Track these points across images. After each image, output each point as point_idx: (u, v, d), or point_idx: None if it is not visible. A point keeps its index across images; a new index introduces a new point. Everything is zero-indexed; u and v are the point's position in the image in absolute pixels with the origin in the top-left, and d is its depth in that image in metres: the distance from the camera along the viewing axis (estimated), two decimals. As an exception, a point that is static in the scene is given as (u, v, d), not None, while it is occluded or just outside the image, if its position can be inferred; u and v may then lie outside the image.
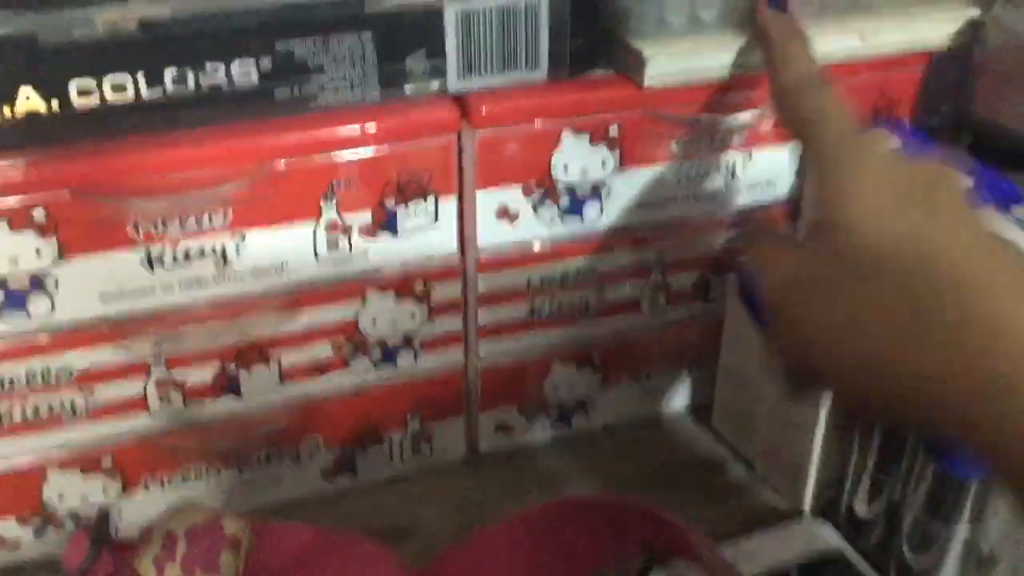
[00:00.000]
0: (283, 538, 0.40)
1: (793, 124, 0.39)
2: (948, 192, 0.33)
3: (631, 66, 0.45)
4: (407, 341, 0.49)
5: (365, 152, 0.43)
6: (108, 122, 0.39)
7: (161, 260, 0.42)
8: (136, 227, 0.41)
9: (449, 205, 0.46)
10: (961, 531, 0.43)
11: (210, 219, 0.42)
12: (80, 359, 0.43)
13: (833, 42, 0.46)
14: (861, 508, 0.47)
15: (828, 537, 0.47)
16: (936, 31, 0.49)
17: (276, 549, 0.40)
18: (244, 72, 0.40)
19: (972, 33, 0.48)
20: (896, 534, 0.45)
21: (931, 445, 0.42)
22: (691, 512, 0.49)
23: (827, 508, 0.49)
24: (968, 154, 0.48)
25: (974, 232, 0.33)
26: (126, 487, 0.47)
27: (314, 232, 0.44)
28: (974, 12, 0.48)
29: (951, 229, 0.32)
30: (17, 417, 0.43)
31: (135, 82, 0.39)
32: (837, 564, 0.46)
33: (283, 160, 0.42)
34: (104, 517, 0.43)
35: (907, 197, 0.33)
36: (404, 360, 0.49)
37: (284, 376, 0.47)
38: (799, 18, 0.44)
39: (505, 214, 0.47)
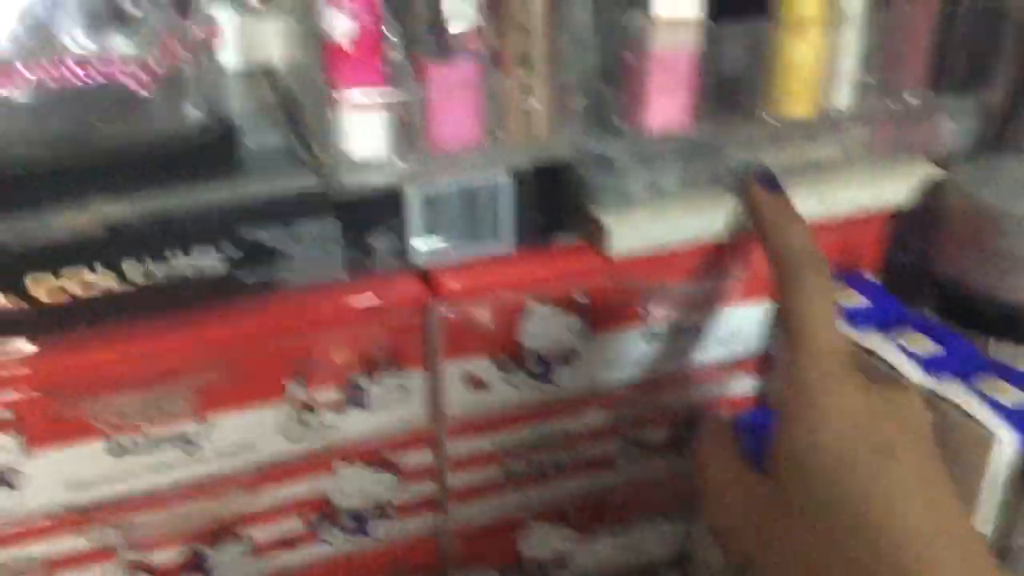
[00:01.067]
0: None
1: (784, 311, 0.39)
2: (914, 438, 0.35)
3: (595, 236, 0.46)
4: (379, 509, 0.48)
5: (333, 331, 0.43)
6: (72, 318, 0.40)
7: (127, 449, 0.42)
8: (102, 420, 0.41)
9: (417, 377, 0.46)
10: None
11: (178, 406, 0.42)
12: (45, 548, 0.43)
13: (793, 206, 0.47)
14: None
15: None
16: (895, 190, 0.49)
17: None
18: (209, 261, 0.41)
19: (932, 191, 0.49)
20: None
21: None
22: None
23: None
24: (933, 314, 0.49)
25: (930, 494, 0.34)
26: (94, 671, 0.46)
27: (283, 412, 0.44)
28: (934, 171, 0.49)
29: (906, 488, 0.33)
30: (-17, 609, 0.43)
31: (97, 277, 0.39)
32: None
33: (249, 345, 0.42)
34: None
35: (872, 436, 0.34)
36: (377, 528, 0.49)
37: (255, 552, 0.47)
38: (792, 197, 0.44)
39: (473, 382, 0.47)
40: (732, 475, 0.40)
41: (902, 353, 0.44)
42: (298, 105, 0.46)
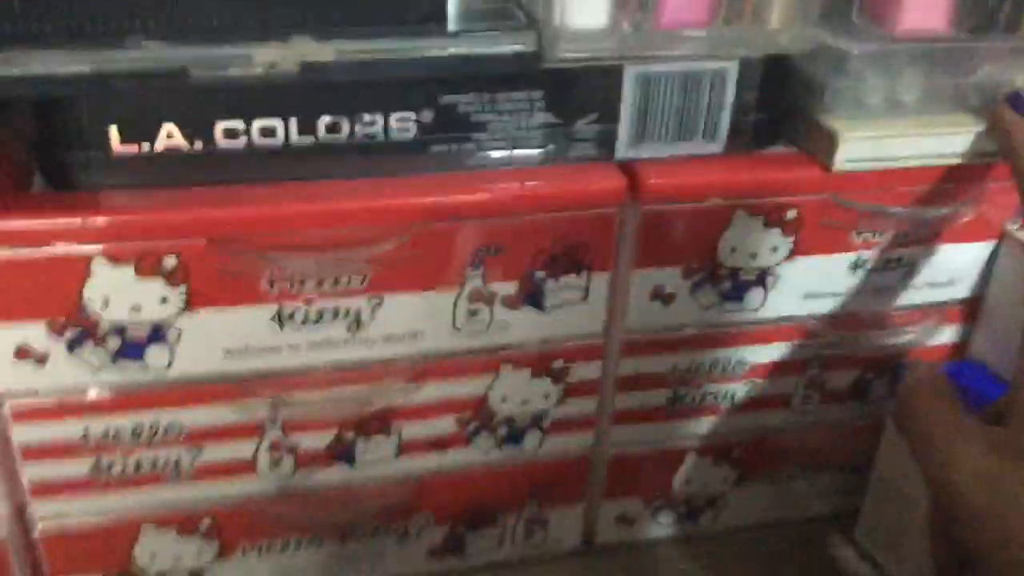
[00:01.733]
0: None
1: None
2: None
3: (820, 146, 0.41)
4: (536, 421, 0.44)
5: (520, 219, 0.39)
6: (252, 168, 0.36)
7: (292, 319, 0.38)
8: (271, 282, 0.37)
9: (601, 282, 0.41)
10: None
11: (349, 280, 0.38)
12: (192, 416, 0.40)
13: None
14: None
15: None
16: None
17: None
18: (403, 125, 0.37)
19: None
20: None
21: None
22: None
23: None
24: None
25: None
26: (222, 552, 0.43)
27: (455, 300, 0.40)
28: None
29: None
30: (116, 471, 0.40)
31: (286, 128, 0.36)
32: None
33: (433, 222, 0.38)
34: None
35: None
36: (530, 441, 0.45)
37: (402, 449, 0.43)
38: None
39: (659, 295, 0.42)
40: (957, 426, 0.35)
41: None
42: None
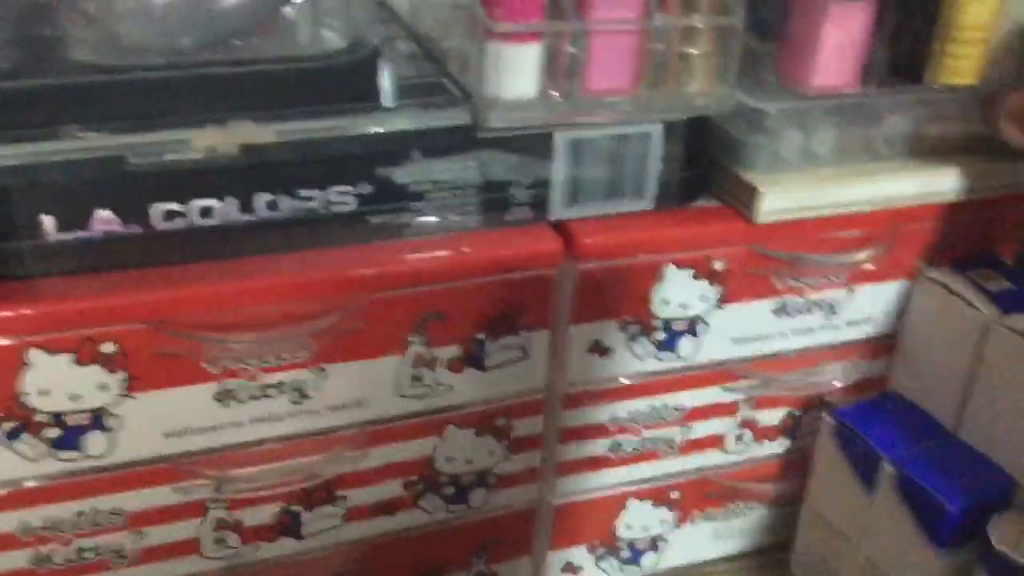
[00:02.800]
0: None
1: None
2: None
3: (742, 200, 0.42)
4: (481, 478, 0.45)
5: (460, 284, 0.39)
6: (191, 248, 0.36)
7: (235, 396, 0.38)
8: (212, 361, 0.37)
9: (541, 339, 0.42)
10: None
11: (293, 353, 0.38)
12: (133, 500, 0.39)
13: (943, 181, 0.44)
14: None
15: None
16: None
17: None
18: (341, 199, 0.37)
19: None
20: None
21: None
22: None
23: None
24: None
25: None
26: (169, 634, 0.42)
27: (399, 367, 0.40)
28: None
29: None
30: (59, 561, 0.39)
31: (225, 207, 0.36)
32: None
33: (376, 292, 0.38)
34: None
35: None
36: (476, 498, 0.45)
37: (349, 516, 0.43)
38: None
39: (597, 349, 0.43)
40: None
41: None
42: (433, 39, 0.42)
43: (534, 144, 0.39)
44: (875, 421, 0.47)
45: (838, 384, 0.49)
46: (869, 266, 0.46)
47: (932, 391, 0.47)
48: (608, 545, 0.50)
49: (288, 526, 0.42)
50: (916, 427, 0.47)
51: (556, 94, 0.38)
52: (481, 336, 0.41)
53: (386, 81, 0.36)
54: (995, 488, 0.44)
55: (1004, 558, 0.41)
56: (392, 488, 0.43)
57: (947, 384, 0.46)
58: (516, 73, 0.37)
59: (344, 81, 0.36)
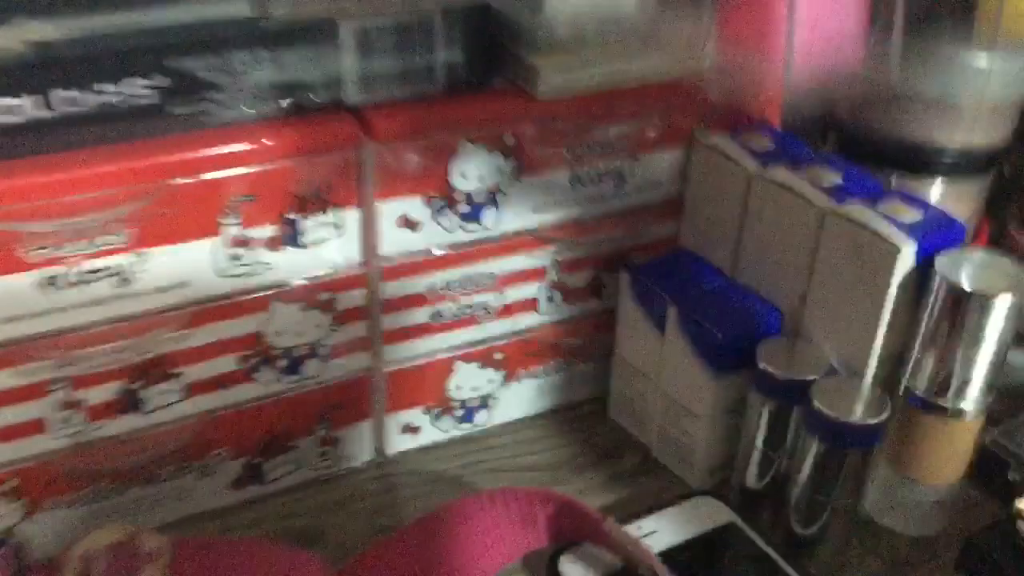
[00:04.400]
0: (205, 551, 0.40)
1: None
2: None
3: (525, 79, 0.47)
4: (313, 350, 0.49)
5: (265, 167, 0.43)
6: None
7: (58, 282, 0.41)
8: (29, 250, 0.40)
9: (352, 216, 0.46)
10: (840, 499, 0.47)
11: (109, 239, 0.41)
12: (-25, 385, 0.42)
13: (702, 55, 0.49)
14: (752, 484, 0.50)
15: (721, 513, 0.50)
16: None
17: (198, 562, 0.40)
18: (138, 91, 0.40)
19: (835, 41, 0.52)
20: (784, 507, 0.49)
21: (814, 422, 0.45)
22: (593, 497, 0.52)
23: (719, 487, 0.53)
24: (838, 154, 0.52)
25: None
26: (32, 510, 0.46)
27: (216, 248, 0.44)
28: (836, 21, 0.52)
29: None
30: (-91, 449, 0.42)
31: (23, 105, 0.38)
32: (732, 536, 0.49)
33: (181, 178, 0.42)
34: (20, 545, 0.42)
35: None
36: (310, 369, 0.50)
37: (188, 391, 0.47)
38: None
39: (406, 223, 0.48)
40: None
41: (809, 184, 0.47)
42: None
43: (322, 34, 0.43)
44: (665, 274, 0.53)
45: (635, 244, 0.55)
46: (649, 135, 0.51)
47: (712, 243, 0.53)
48: (442, 405, 0.55)
49: (129, 403, 0.46)
50: (699, 275, 0.53)
51: (336, -15, 0.42)
52: (293, 216, 0.45)
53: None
54: (764, 320, 0.50)
55: (767, 375, 0.47)
56: (226, 363, 0.47)
57: (723, 235, 0.52)
58: (295, -34, 0.41)
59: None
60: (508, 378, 0.56)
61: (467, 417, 0.56)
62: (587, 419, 0.59)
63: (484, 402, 0.56)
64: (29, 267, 0.40)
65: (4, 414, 0.43)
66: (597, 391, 0.59)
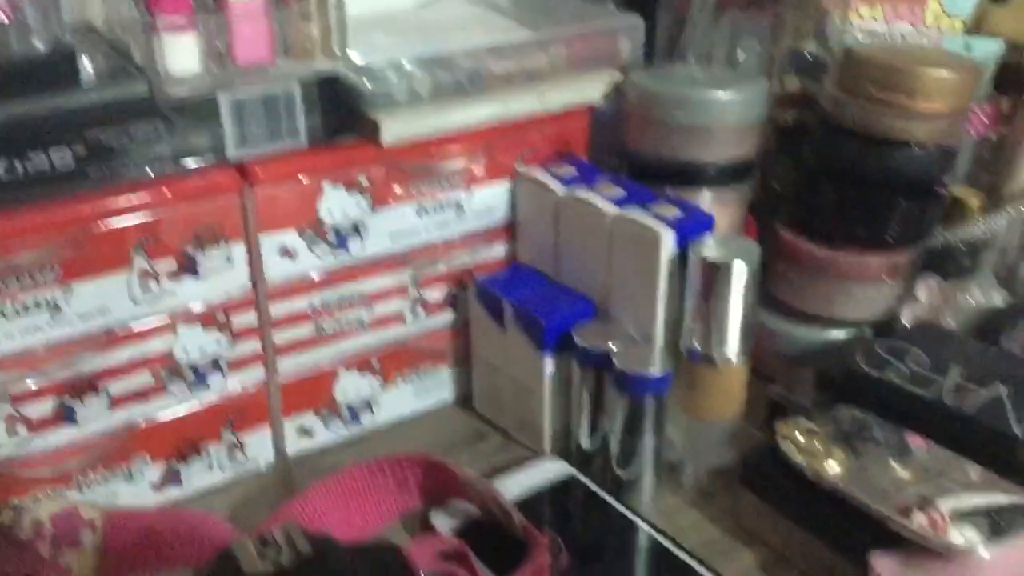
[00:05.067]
0: (132, 519, 0.50)
1: None
2: None
3: (371, 131, 0.60)
4: (215, 364, 0.60)
5: (166, 212, 0.55)
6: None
7: (2, 313, 0.52)
8: (-20, 286, 0.51)
9: (239, 249, 0.58)
10: (649, 444, 0.59)
11: (42, 276, 0.52)
12: (-66, 404, 0.52)
13: (518, 104, 0.63)
14: (584, 442, 0.62)
15: (563, 469, 0.62)
16: (594, 91, 0.67)
17: (127, 528, 0.50)
18: (61, 157, 0.51)
19: (618, 91, 0.66)
20: (609, 458, 0.61)
21: (619, 381, 0.58)
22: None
23: (563, 451, 0.64)
24: (625, 175, 0.66)
25: None
26: (-20, 516, 0.55)
27: (128, 280, 0.55)
28: (618, 76, 0.67)
29: None
30: None
31: (-29, 171, 0.49)
32: (572, 487, 0.61)
33: (98, 223, 0.53)
34: None
35: None
36: (214, 381, 0.60)
37: (113, 404, 0.57)
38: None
39: (285, 252, 0.60)
40: None
41: (599, 197, 0.61)
42: (120, 42, 0.57)
43: (206, 106, 0.55)
44: (503, 283, 0.65)
45: (479, 262, 0.67)
46: (478, 171, 0.64)
47: (538, 256, 0.66)
48: (331, 409, 0.66)
49: (65, 416, 0.56)
50: (529, 281, 0.66)
51: (214, 67, 0.55)
52: (191, 251, 0.56)
53: (83, 70, 0.51)
54: (579, 308, 0.63)
55: (583, 350, 0.60)
56: (144, 379, 0.58)
57: (544, 248, 0.65)
58: (180, 54, 0.53)
59: (51, 70, 0.50)
60: (386, 382, 0.67)
61: (354, 419, 0.67)
62: (457, 414, 0.70)
63: (368, 405, 0.67)
64: (-22, 301, 0.51)
65: (-41, 428, 0.53)
66: (463, 390, 0.71)
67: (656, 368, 0.57)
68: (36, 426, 0.55)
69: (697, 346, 0.58)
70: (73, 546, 0.47)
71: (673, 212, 0.59)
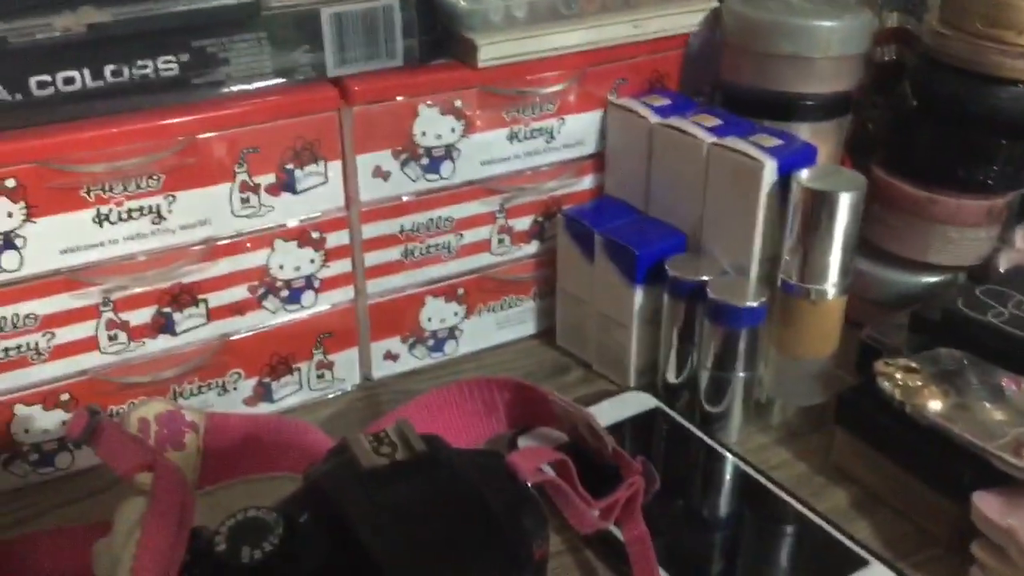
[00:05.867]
0: (233, 423, 0.51)
1: None
2: None
3: (467, 54, 0.59)
4: (309, 282, 0.60)
5: (267, 126, 0.55)
6: (61, 109, 0.50)
7: (109, 218, 0.52)
8: (88, 191, 0.51)
9: (336, 167, 0.58)
10: (740, 378, 0.59)
11: (147, 183, 0.53)
12: (43, 306, 0.53)
13: (613, 30, 0.62)
14: (671, 377, 0.62)
15: (649, 401, 0.61)
16: (690, 19, 0.65)
17: (228, 431, 0.50)
18: (167, 65, 0.52)
19: (714, 19, 0.65)
20: (696, 392, 0.60)
21: (713, 311, 0.57)
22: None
23: (648, 385, 0.64)
24: (722, 107, 0.65)
25: None
26: (81, 419, 0.56)
27: (230, 192, 0.55)
28: (715, 3, 0.66)
29: None
30: (-11, 360, 0.53)
31: (82, 76, 0.50)
32: (658, 418, 0.60)
33: (202, 134, 0.53)
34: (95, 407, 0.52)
35: None
36: (306, 298, 0.61)
37: (210, 316, 0.58)
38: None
39: (380, 173, 0.60)
40: None
41: (695, 126, 0.60)
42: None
43: (308, 20, 0.55)
44: (592, 214, 0.65)
45: (567, 193, 0.67)
46: (571, 98, 0.64)
47: (628, 188, 0.66)
48: (416, 336, 0.66)
49: (164, 325, 0.57)
50: (620, 213, 0.65)
51: (317, -18, 0.55)
52: (289, 166, 0.57)
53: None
54: (671, 241, 0.62)
55: (676, 280, 0.59)
56: (240, 292, 0.58)
57: (635, 180, 0.65)
58: (285, -32, 0.53)
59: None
60: (469, 312, 0.67)
61: (438, 347, 0.67)
62: (539, 347, 0.70)
63: (451, 333, 0.67)
64: (87, 205, 0.52)
65: (65, 333, 0.54)
66: (545, 324, 0.70)
67: (752, 299, 0.57)
68: (135, 333, 0.56)
69: (794, 280, 0.57)
70: (177, 447, 0.48)
71: (773, 143, 0.58)
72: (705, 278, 0.58)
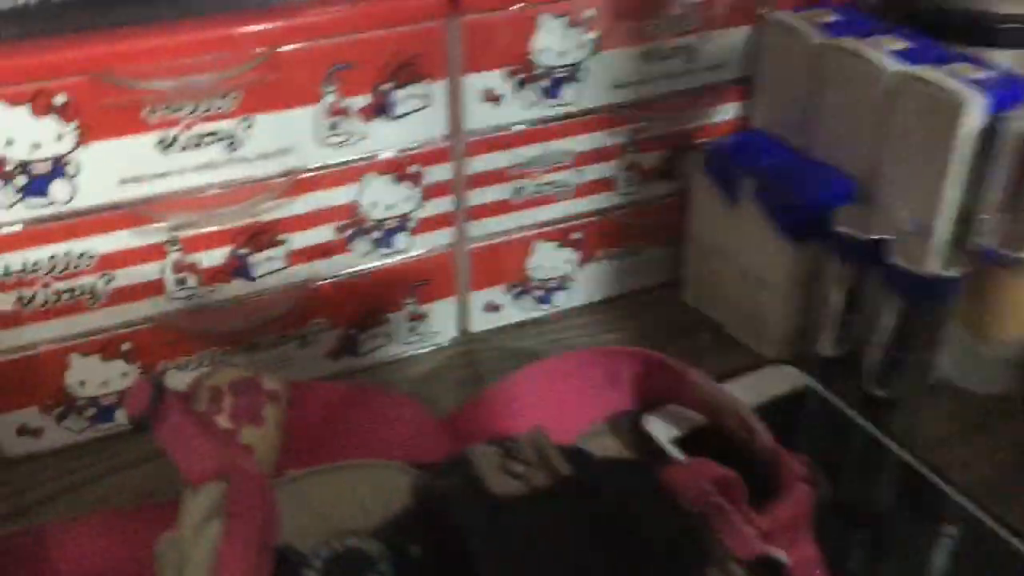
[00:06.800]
0: (319, 393, 0.43)
1: None
2: None
3: (602, -49, 0.49)
4: (402, 223, 0.52)
5: (362, 37, 0.46)
6: (118, 10, 0.42)
7: (174, 144, 0.44)
8: (151, 111, 0.43)
9: (439, 89, 0.49)
10: (919, 359, 0.49)
11: (219, 104, 0.44)
12: (100, 244, 0.45)
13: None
14: (827, 349, 0.52)
15: (799, 378, 0.52)
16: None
17: (313, 403, 0.43)
18: (247, -40, 0.43)
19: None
20: (858, 370, 0.51)
21: (893, 279, 0.47)
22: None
23: (792, 357, 0.54)
24: (910, 27, 0.53)
25: None
26: (144, 372, 0.49)
27: (316, 115, 0.47)
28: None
29: None
30: (39, 302, 0.45)
31: (144, -31, 0.41)
32: (809, 399, 0.51)
33: (284, 45, 0.44)
34: (160, 374, 0.45)
35: None
36: (400, 242, 0.52)
37: (291, 259, 0.50)
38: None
39: (490, 97, 0.50)
40: None
41: (880, 50, 0.49)
42: None
43: (413, -93, 0.45)
44: (738, 150, 0.55)
45: (707, 124, 0.57)
46: (716, 11, 0.53)
47: (783, 121, 0.55)
48: (522, 284, 0.57)
49: (239, 268, 0.49)
50: (772, 151, 0.55)
51: None
52: (386, 86, 0.47)
53: None
54: (838, 188, 0.52)
55: (845, 238, 0.49)
56: (326, 233, 0.50)
57: (793, 111, 0.54)
58: None
59: None
60: (584, 259, 0.58)
61: (545, 298, 0.59)
62: (661, 302, 0.61)
63: (562, 283, 0.58)
64: (149, 128, 0.43)
65: (125, 275, 0.46)
66: (669, 276, 0.61)
67: (943, 267, 0.46)
68: (207, 277, 0.48)
69: (995, 245, 0.47)
70: (255, 421, 0.41)
71: (977, 74, 0.47)
72: (882, 236, 0.48)
